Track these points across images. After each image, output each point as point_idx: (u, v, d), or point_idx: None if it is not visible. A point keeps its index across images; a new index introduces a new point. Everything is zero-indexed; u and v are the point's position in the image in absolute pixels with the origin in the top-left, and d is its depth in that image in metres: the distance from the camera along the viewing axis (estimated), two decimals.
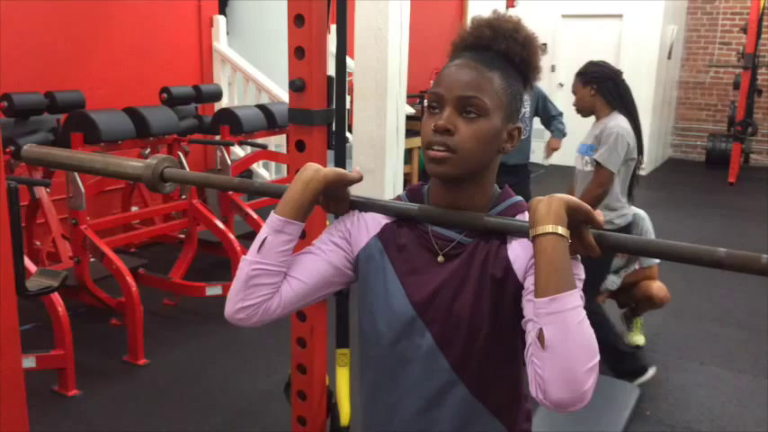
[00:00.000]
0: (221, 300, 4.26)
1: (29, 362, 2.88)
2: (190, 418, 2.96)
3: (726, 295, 4.59)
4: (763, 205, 7.29)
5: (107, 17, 5.09)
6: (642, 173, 8.90)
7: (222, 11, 6.44)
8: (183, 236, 4.40)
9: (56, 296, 3.01)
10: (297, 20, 1.82)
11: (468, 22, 1.16)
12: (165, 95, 4.69)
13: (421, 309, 1.14)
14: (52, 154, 1.57)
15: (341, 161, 2.04)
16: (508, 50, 1.12)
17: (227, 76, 6.07)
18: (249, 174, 5.85)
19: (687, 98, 10.04)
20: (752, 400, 3.24)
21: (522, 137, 4.14)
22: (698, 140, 9.94)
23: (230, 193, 4.37)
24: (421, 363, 1.15)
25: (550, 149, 4.69)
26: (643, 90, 8.71)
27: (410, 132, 6.70)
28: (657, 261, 3.62)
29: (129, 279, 3.43)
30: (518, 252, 1.09)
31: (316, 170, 1.15)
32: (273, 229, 1.14)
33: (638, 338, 3.74)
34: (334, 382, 2.16)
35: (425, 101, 1.13)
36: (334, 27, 1.96)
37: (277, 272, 1.15)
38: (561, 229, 0.98)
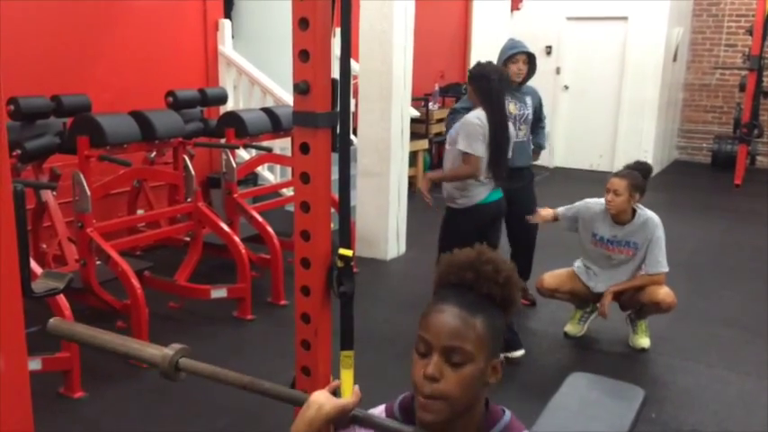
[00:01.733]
0: (226, 302, 4.29)
1: (35, 364, 2.90)
2: (194, 421, 2.97)
3: (731, 297, 4.58)
4: None
5: (113, 21, 5.12)
6: None
7: (227, 14, 6.47)
8: (188, 239, 4.41)
9: (62, 298, 3.02)
10: (301, 23, 1.83)
11: (448, 262, 1.23)
12: (170, 99, 4.71)
13: None
14: (76, 332, 1.68)
15: (345, 164, 2.04)
16: (490, 292, 1.18)
17: (232, 79, 6.09)
18: (254, 177, 5.86)
19: (693, 100, 10.01)
20: (758, 403, 3.23)
21: (526, 138, 4.16)
22: (704, 143, 9.91)
23: (235, 195, 4.38)
24: None
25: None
26: (648, 92, 8.71)
27: (415, 135, 6.71)
28: (666, 269, 3.61)
29: (135, 282, 3.44)
30: None
31: (318, 408, 1.23)
32: None
33: (644, 341, 3.73)
34: (339, 384, 2.16)
35: (416, 346, 1.18)
36: (338, 30, 1.97)
37: None
38: None
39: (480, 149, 3.46)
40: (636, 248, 3.62)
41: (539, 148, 4.46)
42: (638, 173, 3.56)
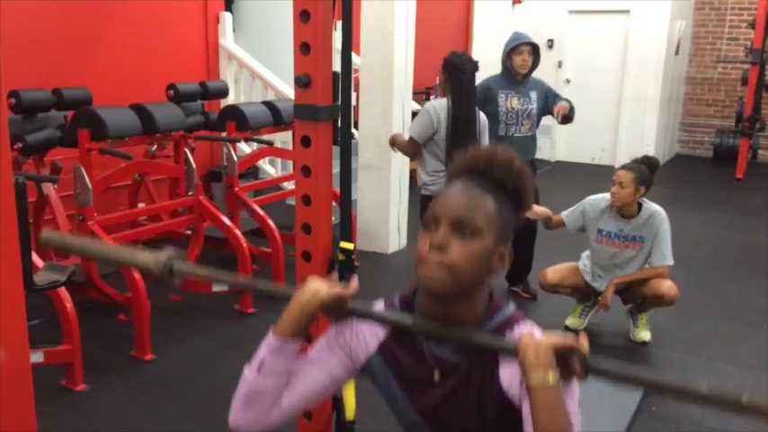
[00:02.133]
0: (228, 296, 4.28)
1: (37, 357, 2.90)
2: (197, 413, 2.98)
3: (732, 291, 4.58)
4: None
5: (113, 14, 5.11)
6: None
7: (228, 7, 6.45)
8: (189, 232, 4.41)
9: (63, 292, 3.03)
10: (302, 15, 1.83)
11: (461, 156, 1.23)
12: (171, 92, 4.70)
13: (428, 418, 1.23)
14: (70, 242, 1.66)
15: (346, 157, 2.04)
16: (502, 178, 1.17)
17: (233, 72, 6.07)
18: (255, 170, 5.86)
19: (695, 94, 9.99)
20: (758, 396, 3.23)
21: (529, 133, 4.19)
22: (705, 136, 9.90)
23: (237, 189, 4.38)
24: None
25: (558, 112, 4.48)
26: (650, 86, 8.69)
27: None
28: (671, 263, 3.61)
29: (137, 275, 3.44)
30: (511, 377, 1.14)
31: (314, 293, 1.21)
32: (271, 350, 1.20)
33: (644, 334, 3.74)
34: None
35: (423, 221, 1.15)
36: (339, 23, 1.97)
37: (276, 390, 1.21)
38: (551, 378, 1.03)
39: (418, 135, 3.70)
40: (643, 242, 3.62)
41: (569, 103, 4.33)
42: (644, 166, 3.56)
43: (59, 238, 1.69)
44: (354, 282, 1.27)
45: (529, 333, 1.09)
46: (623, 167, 3.59)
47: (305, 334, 1.22)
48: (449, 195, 1.16)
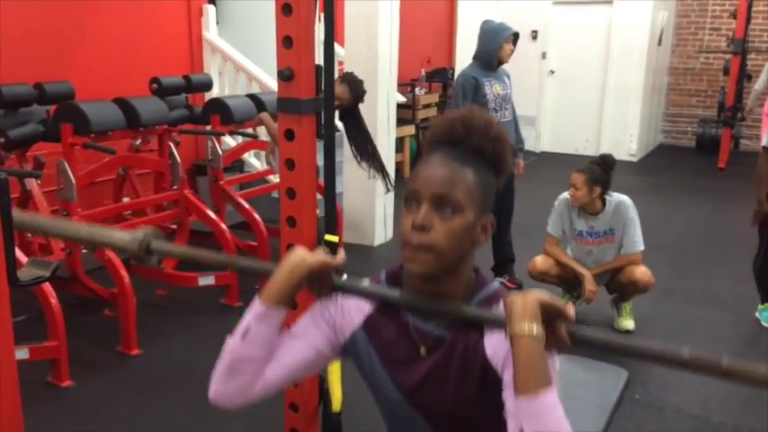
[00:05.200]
0: (214, 290, 4.28)
1: (22, 353, 2.89)
2: (183, 407, 2.98)
3: (715, 279, 4.64)
4: (753, 190, 7.33)
5: (96, 7, 5.07)
6: (633, 159, 8.97)
7: (212, 0, 6.41)
8: (174, 226, 4.40)
9: (48, 287, 3.01)
10: (284, 9, 1.82)
11: (437, 121, 1.21)
12: (155, 86, 4.67)
13: (409, 396, 1.22)
14: (41, 222, 1.61)
15: (330, 150, 2.04)
16: (480, 146, 1.16)
17: (217, 65, 6.05)
18: (240, 163, 5.85)
19: (677, 84, 10.06)
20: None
21: (510, 118, 4.26)
22: (688, 126, 9.98)
23: (222, 183, 4.37)
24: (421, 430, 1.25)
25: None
26: (633, 77, 8.74)
27: (401, 121, 6.71)
28: (641, 249, 3.66)
29: (122, 270, 3.43)
30: (495, 346, 1.14)
31: (301, 258, 1.19)
32: (257, 317, 1.18)
33: (628, 323, 3.78)
34: (326, 369, 2.18)
35: (405, 202, 1.15)
36: (323, 15, 1.96)
37: (261, 358, 1.19)
38: (536, 329, 1.03)
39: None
40: (614, 234, 3.70)
41: (521, 151, 4.46)
42: (598, 167, 3.63)
43: (31, 218, 1.65)
44: (341, 253, 1.26)
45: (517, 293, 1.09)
46: (577, 170, 3.66)
47: (291, 301, 1.20)
48: (427, 170, 1.15)
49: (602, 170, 3.62)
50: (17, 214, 1.55)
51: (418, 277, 1.17)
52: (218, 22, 6.18)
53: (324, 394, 2.18)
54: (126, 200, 4.80)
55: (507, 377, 1.08)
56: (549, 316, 1.05)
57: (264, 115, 4.00)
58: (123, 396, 3.10)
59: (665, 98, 10.10)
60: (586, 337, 1.09)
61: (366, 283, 1.27)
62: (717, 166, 8.36)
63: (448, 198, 1.11)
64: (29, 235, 4.25)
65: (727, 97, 8.35)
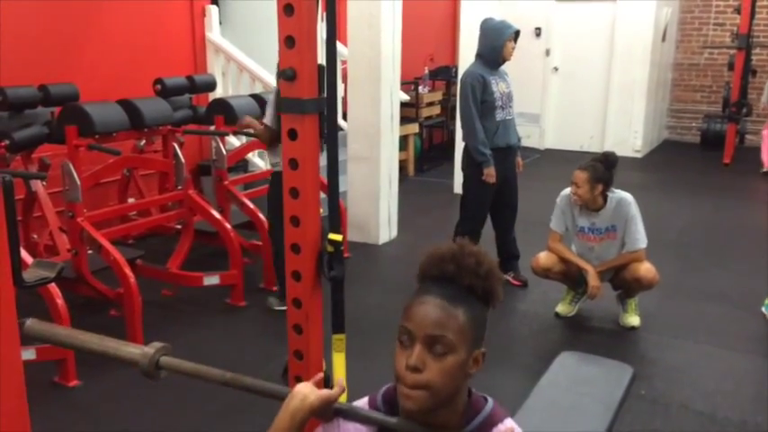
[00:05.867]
0: (219, 289, 4.30)
1: (29, 353, 2.91)
2: (190, 406, 2.99)
3: (720, 275, 4.62)
4: (758, 185, 7.32)
5: (99, 9, 5.08)
6: (638, 155, 8.95)
7: (215, 1, 6.42)
8: (179, 226, 4.41)
9: (54, 288, 3.03)
10: (286, 9, 1.83)
11: (431, 254, 1.23)
12: (158, 86, 4.69)
13: None
14: (54, 332, 1.66)
15: (333, 149, 2.05)
16: (471, 284, 1.19)
17: (220, 66, 6.06)
18: (245, 163, 5.86)
19: (682, 80, 10.03)
20: (746, 378, 3.28)
21: (508, 117, 4.27)
22: (693, 122, 9.95)
23: (226, 183, 4.39)
24: None
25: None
26: (638, 72, 8.72)
27: (405, 119, 6.71)
28: (644, 245, 3.66)
29: (127, 270, 3.44)
30: None
31: (302, 400, 1.24)
32: None
33: (633, 319, 3.77)
34: (331, 367, 2.18)
35: (399, 337, 1.20)
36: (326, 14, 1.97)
37: None
38: None
39: (271, 121, 3.78)
40: (616, 231, 3.70)
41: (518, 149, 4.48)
42: (600, 164, 3.62)
43: (42, 327, 1.70)
44: (341, 382, 1.31)
45: (509, 425, 1.14)
46: (579, 167, 3.66)
47: None
48: (420, 311, 1.18)
49: (604, 168, 3.62)
50: (30, 324, 1.60)
51: (413, 416, 1.21)
52: (220, 23, 6.18)
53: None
54: (131, 200, 4.82)
55: None
56: None
57: (248, 118, 4.09)
58: (130, 396, 3.11)
59: (670, 94, 10.08)
60: None
61: (364, 402, 1.32)
62: (722, 162, 8.33)
63: (440, 340, 1.15)
64: (34, 236, 4.28)
65: (731, 92, 8.32)
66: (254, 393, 1.41)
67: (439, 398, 1.17)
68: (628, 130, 8.89)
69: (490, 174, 4.14)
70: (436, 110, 8.31)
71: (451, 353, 1.16)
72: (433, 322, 1.16)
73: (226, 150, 4.41)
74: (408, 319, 1.19)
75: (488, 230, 4.39)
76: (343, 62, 5.31)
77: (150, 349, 1.41)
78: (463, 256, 1.20)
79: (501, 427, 1.22)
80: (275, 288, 4.18)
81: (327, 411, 1.27)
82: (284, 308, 3.71)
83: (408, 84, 7.54)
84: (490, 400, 1.27)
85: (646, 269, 3.64)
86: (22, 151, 4.05)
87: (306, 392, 1.25)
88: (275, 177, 3.80)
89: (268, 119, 3.84)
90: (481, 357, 1.22)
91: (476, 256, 1.21)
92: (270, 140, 3.84)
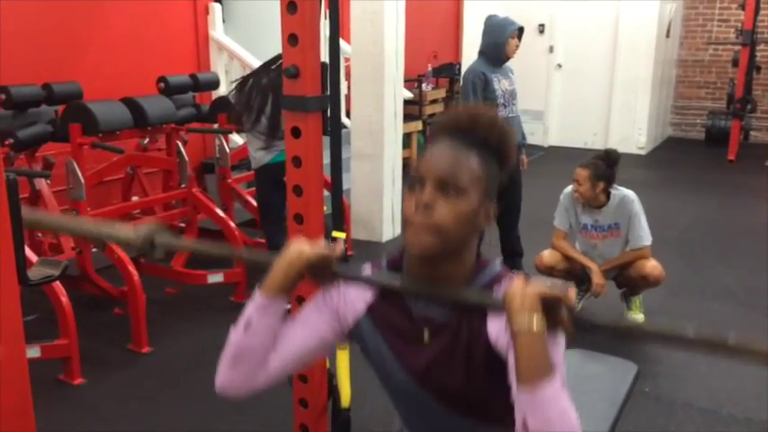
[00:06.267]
0: (223, 287, 4.30)
1: (33, 351, 2.92)
2: (194, 405, 3.00)
3: (725, 272, 4.61)
4: (763, 182, 7.30)
5: (102, 7, 5.08)
6: (642, 152, 8.93)
7: None
8: (183, 225, 4.42)
9: (59, 286, 3.03)
10: (289, 7, 1.83)
11: (446, 110, 1.26)
12: (162, 85, 4.69)
13: (419, 381, 1.23)
14: (49, 220, 1.66)
15: (336, 146, 2.05)
16: (486, 137, 1.17)
17: (223, 64, 6.06)
18: (248, 161, 5.85)
19: (686, 76, 10.00)
20: (750, 376, 3.27)
21: (510, 115, 4.25)
22: (697, 119, 9.91)
23: (230, 181, 4.39)
24: (434, 416, 1.26)
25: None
26: (642, 69, 8.69)
27: (408, 117, 6.70)
28: (648, 243, 3.65)
29: (131, 268, 3.45)
30: (498, 329, 1.15)
31: (299, 253, 1.20)
32: (258, 308, 1.20)
33: (638, 317, 3.77)
34: (335, 365, 2.18)
35: (408, 187, 1.16)
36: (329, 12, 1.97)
37: (263, 348, 1.21)
38: (536, 323, 1.03)
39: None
40: (619, 228, 3.70)
41: (523, 147, 4.45)
42: (602, 162, 3.61)
43: (38, 217, 1.69)
44: (340, 244, 1.28)
45: (516, 282, 1.08)
46: (581, 165, 3.65)
47: (291, 293, 1.22)
48: (433, 155, 1.16)
49: (605, 165, 3.61)
50: (25, 212, 1.58)
51: (419, 258, 1.17)
52: (224, 21, 6.18)
53: (333, 390, 2.19)
54: (135, 198, 4.82)
55: (512, 361, 1.08)
56: (549, 305, 1.05)
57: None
58: (134, 393, 3.12)
59: (674, 90, 10.04)
60: (587, 321, 1.09)
61: (367, 270, 1.28)
62: (726, 159, 8.31)
63: (452, 181, 1.12)
64: (39, 234, 4.28)
65: (736, 89, 8.30)
66: (251, 265, 1.39)
67: (447, 243, 1.13)
68: (632, 127, 8.87)
69: None
70: (439, 107, 8.28)
71: (463, 197, 1.13)
72: (445, 164, 1.14)
73: (229, 148, 4.42)
74: (420, 164, 1.16)
75: (492, 228, 4.38)
76: (347, 60, 5.30)
77: (143, 228, 1.39)
78: (479, 113, 1.19)
79: (509, 282, 1.16)
80: None
81: (327, 273, 1.23)
82: None
83: (412, 81, 7.53)
84: (498, 261, 1.25)
85: (652, 266, 3.63)
86: (26, 150, 4.05)
87: (302, 246, 1.21)
88: (259, 172, 3.89)
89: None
90: (493, 212, 1.20)
91: (491, 115, 1.20)
92: (235, 120, 3.95)
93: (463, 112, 1.20)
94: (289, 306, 1.23)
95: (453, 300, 1.17)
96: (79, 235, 1.61)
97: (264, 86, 3.78)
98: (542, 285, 1.06)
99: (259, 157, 3.87)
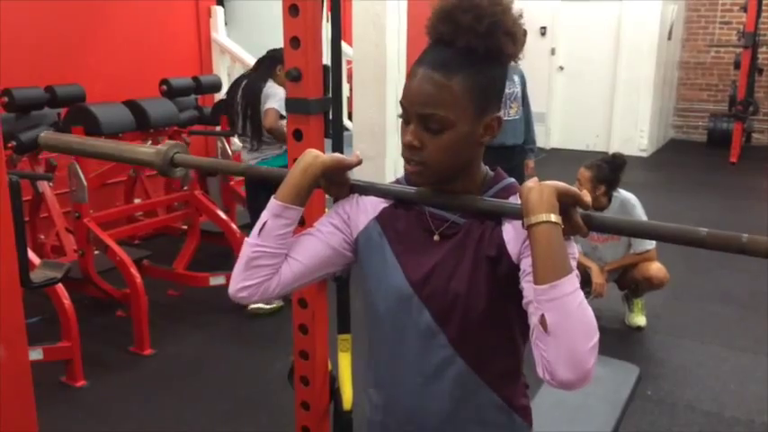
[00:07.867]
0: (225, 289, 4.27)
1: (36, 354, 2.92)
2: (196, 407, 3.00)
3: (726, 275, 4.60)
4: (765, 184, 7.29)
5: (105, 10, 5.10)
6: (644, 154, 8.92)
7: (220, 1, 6.43)
8: (185, 227, 4.42)
9: (61, 289, 3.04)
10: (291, 10, 1.83)
11: (432, 11, 1.14)
12: (164, 87, 4.70)
13: (418, 286, 1.18)
14: (68, 141, 1.66)
15: (338, 149, 2.05)
16: (470, 46, 1.08)
17: (226, 66, 6.07)
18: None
19: (688, 78, 10.00)
20: (752, 378, 3.27)
21: (517, 116, 4.25)
22: (699, 121, 9.91)
23: (232, 183, 4.39)
24: (420, 340, 1.19)
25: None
26: (644, 71, 8.69)
27: None
28: (653, 246, 3.64)
29: (134, 270, 3.46)
30: (512, 234, 1.12)
31: (314, 156, 1.19)
32: (273, 214, 1.19)
33: (639, 319, 3.76)
34: (337, 368, 2.18)
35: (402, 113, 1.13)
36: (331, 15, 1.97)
37: (277, 254, 1.20)
38: (554, 217, 1.02)
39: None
40: None
41: (531, 152, 4.45)
42: (606, 166, 3.60)
43: (58, 138, 1.69)
44: (357, 153, 1.25)
45: (533, 180, 1.07)
46: (585, 165, 3.65)
47: (306, 200, 1.21)
48: (412, 87, 1.11)
49: (609, 169, 3.59)
50: (44, 135, 1.59)
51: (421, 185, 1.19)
52: (226, 23, 6.19)
53: (335, 393, 2.19)
54: (137, 201, 4.83)
55: (526, 265, 1.07)
56: (566, 204, 1.04)
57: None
58: (137, 395, 3.12)
59: (676, 93, 10.04)
60: (602, 221, 1.10)
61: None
62: (728, 161, 8.30)
63: (432, 117, 1.09)
64: (41, 237, 4.29)
65: (738, 91, 8.28)
66: (266, 179, 1.36)
67: (443, 173, 1.13)
68: (634, 129, 8.87)
69: None
70: None
71: (449, 128, 1.09)
72: (423, 99, 1.09)
73: (231, 151, 4.42)
74: (404, 96, 1.13)
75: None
76: (349, 62, 5.30)
77: (164, 147, 1.39)
78: (461, 11, 1.08)
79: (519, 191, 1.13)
80: None
81: (342, 183, 1.23)
82: (265, 307, 3.76)
83: None
84: (511, 179, 1.23)
85: (657, 268, 3.63)
86: (29, 152, 4.06)
87: (317, 152, 1.20)
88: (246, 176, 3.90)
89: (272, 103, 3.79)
90: (496, 123, 1.14)
91: (475, 9, 1.07)
92: (231, 124, 3.99)
93: (441, 17, 1.10)
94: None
95: (469, 207, 1.16)
96: (98, 156, 1.59)
97: (245, 89, 3.82)
98: (559, 183, 1.05)
99: (246, 161, 3.89)
